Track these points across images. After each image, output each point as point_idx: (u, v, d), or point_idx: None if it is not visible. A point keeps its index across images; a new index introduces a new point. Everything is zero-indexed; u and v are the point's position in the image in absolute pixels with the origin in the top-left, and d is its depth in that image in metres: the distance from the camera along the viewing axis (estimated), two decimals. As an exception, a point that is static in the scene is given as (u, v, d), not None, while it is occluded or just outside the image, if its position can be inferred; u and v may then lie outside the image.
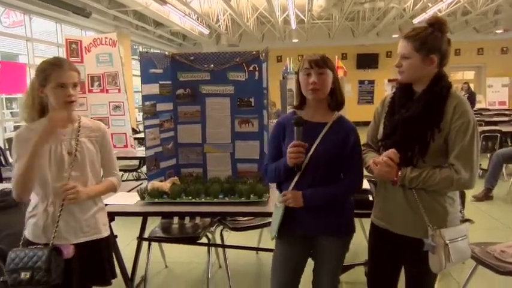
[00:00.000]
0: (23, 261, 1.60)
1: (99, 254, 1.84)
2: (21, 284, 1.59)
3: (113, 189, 1.89)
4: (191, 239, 2.80)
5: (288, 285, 1.82)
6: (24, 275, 1.58)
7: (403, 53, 1.61)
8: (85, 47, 4.75)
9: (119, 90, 4.77)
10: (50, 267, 1.59)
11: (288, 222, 1.76)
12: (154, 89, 2.67)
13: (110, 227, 2.12)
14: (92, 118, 1.97)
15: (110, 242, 1.95)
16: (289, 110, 4.97)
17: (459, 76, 14.17)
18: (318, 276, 1.83)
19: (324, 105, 1.75)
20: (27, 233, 1.75)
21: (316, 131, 1.70)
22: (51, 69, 1.67)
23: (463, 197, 2.20)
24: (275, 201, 1.84)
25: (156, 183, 2.52)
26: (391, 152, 1.59)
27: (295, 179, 1.71)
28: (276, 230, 1.79)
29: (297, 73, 1.78)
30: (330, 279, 1.80)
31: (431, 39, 1.57)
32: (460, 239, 1.61)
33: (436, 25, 1.58)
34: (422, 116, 1.58)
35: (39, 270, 1.58)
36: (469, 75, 14.45)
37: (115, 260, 2.13)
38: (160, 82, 2.71)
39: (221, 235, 3.11)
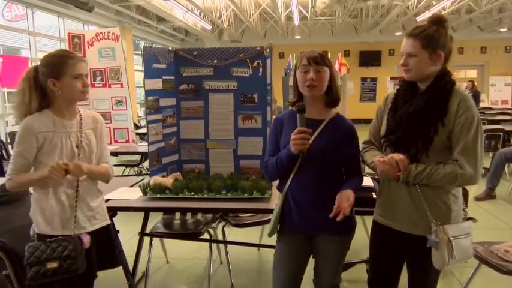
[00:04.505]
0: (47, 253, 1.62)
1: (111, 239, 1.93)
2: (45, 275, 1.61)
3: (107, 173, 1.88)
4: (193, 235, 2.81)
5: (289, 284, 1.79)
6: (50, 266, 1.60)
7: (409, 51, 1.59)
8: (87, 42, 4.73)
9: (121, 85, 4.74)
10: (77, 255, 1.64)
11: (288, 221, 1.75)
12: (157, 84, 2.65)
13: (112, 221, 2.13)
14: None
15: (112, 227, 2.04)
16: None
17: (462, 74, 14.12)
18: (318, 275, 1.82)
19: (321, 103, 1.74)
20: (42, 227, 1.71)
21: (313, 128, 1.68)
22: (64, 62, 1.69)
23: (465, 196, 2.19)
24: (278, 198, 1.82)
25: (158, 179, 2.52)
26: (401, 157, 1.57)
27: (291, 176, 1.70)
28: (272, 228, 1.78)
29: (295, 69, 1.76)
30: (331, 278, 1.79)
31: (437, 36, 1.57)
32: (463, 236, 1.61)
33: (439, 22, 1.59)
34: (426, 110, 1.58)
35: (68, 258, 1.62)
36: (472, 73, 14.40)
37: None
38: (164, 77, 2.69)
39: (223, 231, 3.11)
